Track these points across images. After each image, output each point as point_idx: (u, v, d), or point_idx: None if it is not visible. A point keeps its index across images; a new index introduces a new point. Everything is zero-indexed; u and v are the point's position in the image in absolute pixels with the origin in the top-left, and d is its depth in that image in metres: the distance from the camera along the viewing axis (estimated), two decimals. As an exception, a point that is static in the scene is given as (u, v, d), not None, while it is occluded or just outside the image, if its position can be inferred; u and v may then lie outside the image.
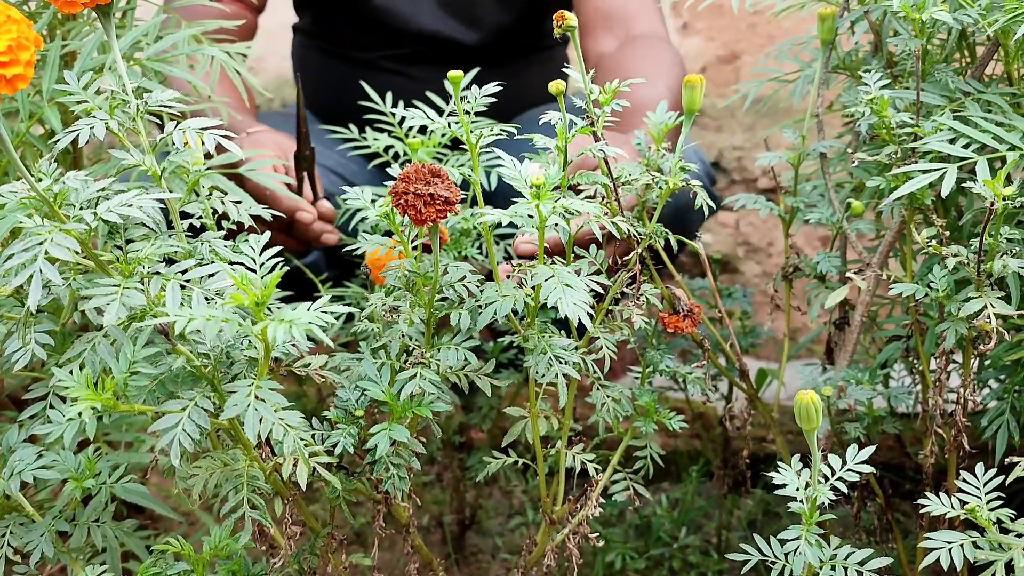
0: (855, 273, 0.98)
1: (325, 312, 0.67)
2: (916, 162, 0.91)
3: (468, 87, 0.88)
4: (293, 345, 0.78)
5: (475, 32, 1.58)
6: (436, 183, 0.74)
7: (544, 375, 0.81)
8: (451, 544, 1.44)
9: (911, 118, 0.93)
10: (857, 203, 1.01)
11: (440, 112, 1.22)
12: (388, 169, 0.89)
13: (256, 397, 0.67)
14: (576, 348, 0.85)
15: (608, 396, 0.93)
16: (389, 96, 1.23)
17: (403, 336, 0.79)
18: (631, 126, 1.19)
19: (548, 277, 0.75)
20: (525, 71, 1.64)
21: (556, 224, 0.74)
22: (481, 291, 0.81)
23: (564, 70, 0.90)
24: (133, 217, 0.69)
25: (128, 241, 0.73)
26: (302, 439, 0.72)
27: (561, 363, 0.82)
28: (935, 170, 0.85)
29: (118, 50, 0.84)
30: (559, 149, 0.85)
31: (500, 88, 0.86)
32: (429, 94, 1.17)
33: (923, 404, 1.00)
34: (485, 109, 0.87)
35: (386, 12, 1.55)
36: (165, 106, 0.85)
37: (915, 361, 1.02)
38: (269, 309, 0.68)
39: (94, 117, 0.81)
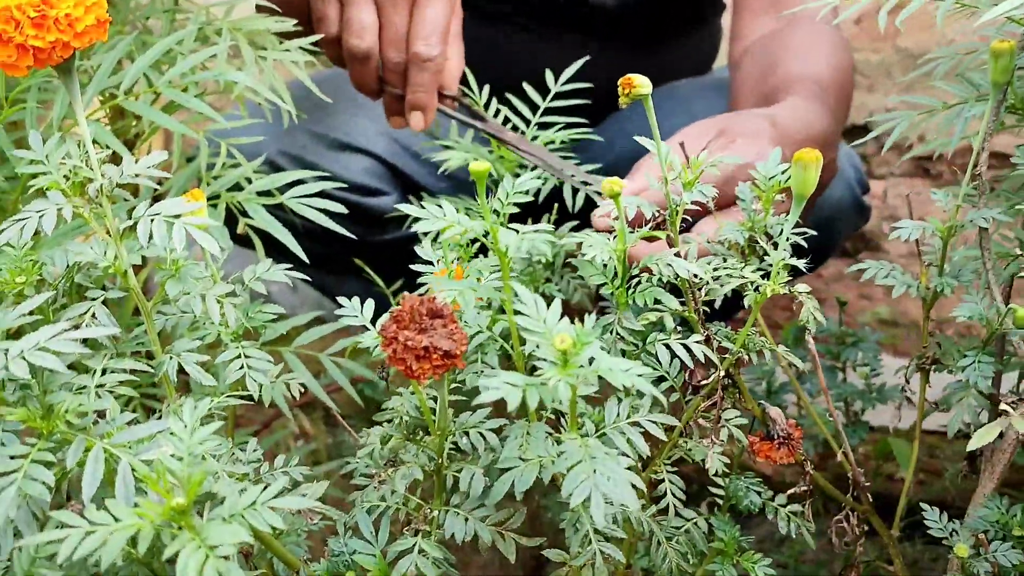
0: (1012, 405, 0.75)
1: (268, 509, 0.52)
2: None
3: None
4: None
5: None
6: (434, 331, 0.56)
7: (579, 556, 0.64)
8: None
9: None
10: (1023, 310, 0.77)
11: (535, 108, 1.06)
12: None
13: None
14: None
15: (672, 548, 0.74)
16: (487, 89, 1.07)
17: (399, 504, 0.63)
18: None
19: (576, 461, 0.56)
20: (669, 45, 1.42)
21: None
22: (503, 440, 0.64)
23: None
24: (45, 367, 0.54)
25: (45, 392, 0.58)
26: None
27: (601, 540, 0.64)
28: None
29: (83, 112, 0.69)
30: (617, 256, 0.65)
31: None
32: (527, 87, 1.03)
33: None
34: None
35: None
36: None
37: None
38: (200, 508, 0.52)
39: (46, 199, 0.67)
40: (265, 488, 0.54)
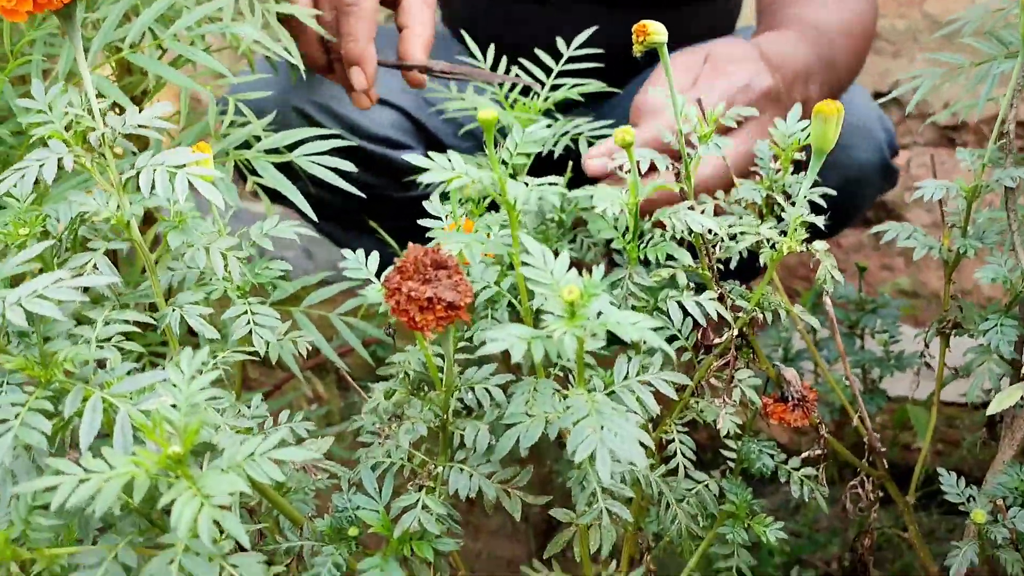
0: (1035, 369, 0.73)
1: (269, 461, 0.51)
2: None
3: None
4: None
5: None
6: (438, 281, 0.55)
7: (585, 514, 0.63)
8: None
9: None
10: (1047, 271, 0.75)
11: (548, 70, 1.04)
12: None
13: None
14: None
15: (682, 510, 0.73)
16: (491, 51, 1.05)
17: (404, 460, 0.62)
18: None
19: (583, 416, 0.55)
20: (682, 9, 1.38)
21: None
22: (509, 397, 0.63)
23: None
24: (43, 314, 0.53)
25: (45, 339, 0.58)
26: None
27: (608, 499, 0.63)
28: None
29: (84, 61, 0.68)
30: (629, 209, 0.64)
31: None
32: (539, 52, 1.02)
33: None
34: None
35: None
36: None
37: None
38: (199, 457, 0.52)
39: (48, 148, 0.66)
40: (265, 439, 0.53)
